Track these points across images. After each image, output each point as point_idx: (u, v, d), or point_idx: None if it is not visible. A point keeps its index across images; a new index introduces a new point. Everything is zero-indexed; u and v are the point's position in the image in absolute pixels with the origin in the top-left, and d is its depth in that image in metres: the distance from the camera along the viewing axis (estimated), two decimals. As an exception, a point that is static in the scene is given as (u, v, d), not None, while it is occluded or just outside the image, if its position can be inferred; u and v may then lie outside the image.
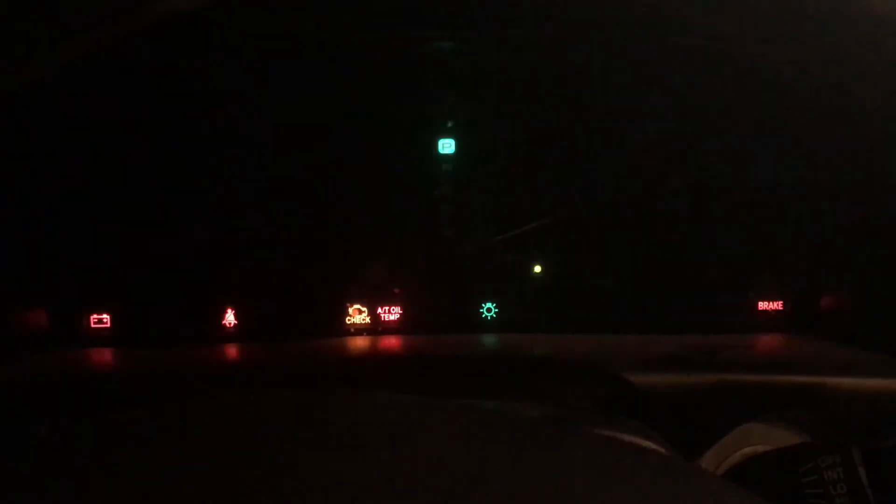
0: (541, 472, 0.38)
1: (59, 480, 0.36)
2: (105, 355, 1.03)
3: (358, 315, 1.10)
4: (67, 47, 0.39)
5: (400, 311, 1.11)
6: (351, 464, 0.37)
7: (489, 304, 1.12)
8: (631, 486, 0.38)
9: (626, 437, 0.65)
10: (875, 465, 0.57)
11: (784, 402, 0.90)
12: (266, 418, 0.42)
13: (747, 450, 0.73)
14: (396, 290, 1.10)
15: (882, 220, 0.97)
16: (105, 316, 1.08)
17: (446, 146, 1.09)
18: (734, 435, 0.88)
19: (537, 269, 1.12)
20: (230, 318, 1.09)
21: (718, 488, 0.44)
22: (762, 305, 1.11)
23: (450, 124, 1.09)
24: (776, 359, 1.00)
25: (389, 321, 1.11)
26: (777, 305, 1.11)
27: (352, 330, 1.10)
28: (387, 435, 0.40)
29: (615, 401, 0.89)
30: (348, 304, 1.10)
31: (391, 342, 1.07)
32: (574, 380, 0.93)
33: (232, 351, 1.04)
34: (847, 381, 0.91)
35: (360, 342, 1.07)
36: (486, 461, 0.38)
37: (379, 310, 1.11)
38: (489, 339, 1.09)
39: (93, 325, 1.07)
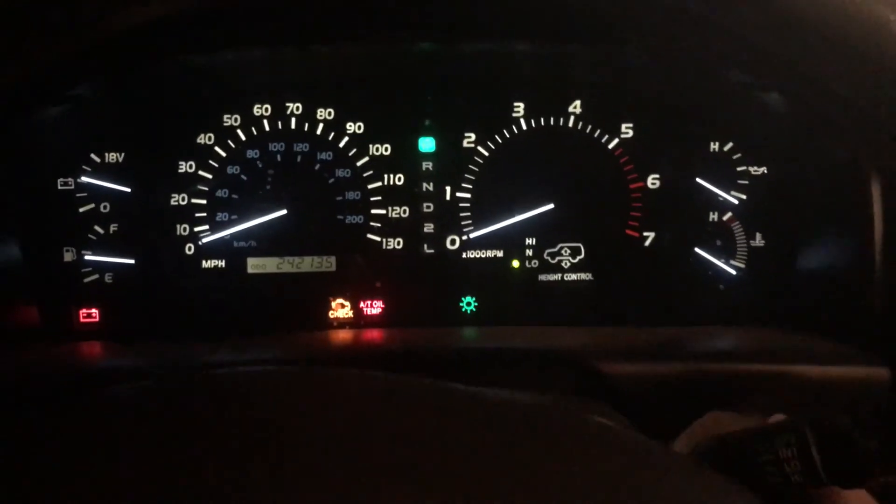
0: (507, 444, 0.41)
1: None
2: (94, 348, 1.06)
3: (341, 309, 1.13)
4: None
5: (382, 305, 1.14)
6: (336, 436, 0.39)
7: (469, 298, 1.15)
8: (584, 455, 0.42)
9: (590, 417, 0.69)
10: (826, 443, 0.60)
11: (752, 390, 0.94)
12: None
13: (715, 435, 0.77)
14: (378, 285, 1.13)
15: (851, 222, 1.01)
16: (94, 311, 1.10)
17: (426, 144, 1.12)
18: (703, 421, 0.92)
19: (515, 263, 1.15)
20: (216, 312, 1.11)
21: (672, 458, 0.47)
22: (733, 297, 1.15)
23: (427, 123, 1.12)
24: (744, 349, 1.03)
25: (372, 315, 1.14)
26: (748, 297, 1.15)
27: (335, 324, 1.13)
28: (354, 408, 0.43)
29: (587, 389, 0.92)
30: (331, 299, 1.13)
31: (373, 335, 1.10)
32: (548, 370, 0.96)
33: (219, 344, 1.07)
34: (811, 369, 0.95)
35: (343, 335, 1.10)
36: (453, 434, 0.41)
37: (361, 304, 1.14)
38: (469, 332, 1.12)
39: (82, 320, 1.10)
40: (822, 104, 0.49)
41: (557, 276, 1.15)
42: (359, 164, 1.11)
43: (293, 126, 1.10)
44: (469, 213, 1.13)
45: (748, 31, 0.45)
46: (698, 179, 1.13)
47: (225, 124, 1.09)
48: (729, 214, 1.14)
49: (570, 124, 1.12)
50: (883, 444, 0.57)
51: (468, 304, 1.15)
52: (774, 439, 0.63)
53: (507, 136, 1.12)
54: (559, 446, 0.42)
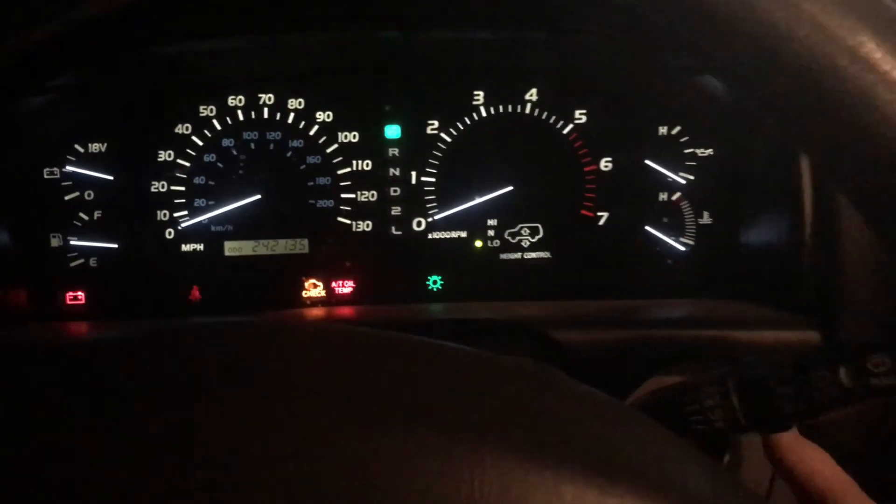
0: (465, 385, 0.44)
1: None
2: (80, 328, 1.12)
3: (314, 289, 1.20)
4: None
5: (353, 285, 1.21)
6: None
7: (435, 277, 1.22)
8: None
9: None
10: (746, 392, 0.66)
11: (694, 355, 1.02)
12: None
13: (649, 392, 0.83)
14: (349, 265, 1.20)
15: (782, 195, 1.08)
16: (80, 293, 1.17)
17: (392, 131, 1.19)
18: (648, 384, 0.99)
19: (478, 243, 1.22)
20: (195, 293, 1.18)
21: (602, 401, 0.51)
22: (681, 271, 1.22)
23: (392, 111, 1.19)
24: (688, 317, 1.10)
25: (343, 294, 1.21)
26: (695, 271, 1.22)
27: (308, 302, 1.20)
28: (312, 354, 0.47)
29: (541, 355, 1.00)
30: (304, 279, 1.20)
31: (344, 312, 1.17)
32: (505, 338, 1.03)
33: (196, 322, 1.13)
34: (749, 334, 1.02)
35: (316, 312, 1.17)
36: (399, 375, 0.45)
37: (333, 283, 1.20)
38: (435, 307, 1.18)
39: (69, 302, 1.16)
40: (750, 94, 0.53)
41: (518, 255, 1.22)
42: (328, 150, 1.18)
43: (266, 116, 1.17)
44: (434, 197, 1.20)
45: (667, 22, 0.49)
46: (648, 161, 1.20)
47: (201, 115, 1.16)
48: (678, 194, 1.21)
49: (527, 111, 1.19)
50: (797, 391, 0.63)
51: (434, 282, 1.22)
52: (700, 391, 0.70)
53: (468, 122, 1.19)
54: (504, 389, 0.44)
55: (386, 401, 0.40)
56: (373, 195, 1.20)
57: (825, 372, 0.62)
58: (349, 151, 1.18)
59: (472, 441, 0.38)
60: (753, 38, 0.42)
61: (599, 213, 1.21)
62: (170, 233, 1.17)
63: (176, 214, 1.17)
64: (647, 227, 1.21)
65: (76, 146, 1.14)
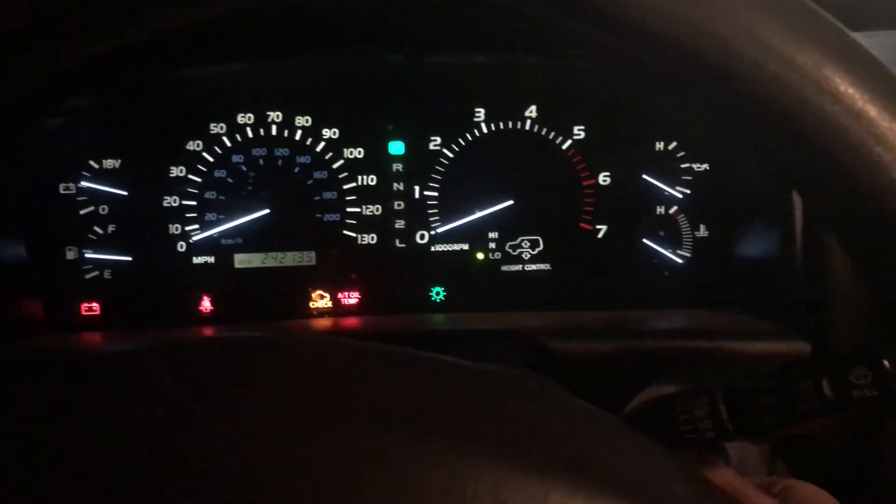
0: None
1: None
2: (95, 337, 1.16)
3: (321, 300, 1.24)
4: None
5: (358, 296, 1.25)
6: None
7: (438, 288, 1.26)
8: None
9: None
10: (733, 403, 0.69)
11: (689, 365, 1.05)
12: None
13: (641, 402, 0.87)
14: (354, 277, 1.24)
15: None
16: (95, 304, 1.21)
17: (396, 147, 1.22)
18: (643, 395, 1.02)
19: (480, 255, 1.26)
20: (206, 304, 1.22)
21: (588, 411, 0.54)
22: (678, 283, 1.26)
23: (396, 128, 1.22)
24: (683, 328, 1.14)
25: (349, 304, 1.24)
26: (691, 282, 1.26)
27: (315, 313, 1.24)
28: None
29: (538, 365, 1.03)
30: (311, 290, 1.23)
31: (350, 322, 1.20)
32: (503, 349, 1.07)
33: (207, 332, 1.17)
34: (741, 345, 1.06)
35: (323, 323, 1.20)
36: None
37: (339, 295, 1.24)
38: (437, 318, 1.22)
39: (84, 313, 1.20)
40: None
41: (518, 267, 1.26)
42: (334, 166, 1.22)
43: (274, 133, 1.20)
44: (436, 210, 1.24)
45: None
46: (645, 176, 1.23)
47: (212, 132, 1.19)
48: (675, 208, 1.24)
49: (527, 127, 1.22)
50: (781, 402, 0.66)
51: (437, 293, 1.25)
52: (690, 401, 0.73)
53: (469, 139, 1.22)
54: (499, 401, 0.46)
55: (382, 411, 0.42)
56: (377, 209, 1.23)
57: (809, 383, 0.65)
58: (355, 167, 1.22)
59: (468, 451, 0.39)
60: (723, 75, 0.45)
61: (598, 227, 1.25)
62: (181, 246, 1.21)
63: (187, 228, 1.21)
64: (645, 240, 1.25)
65: (91, 162, 1.17)
